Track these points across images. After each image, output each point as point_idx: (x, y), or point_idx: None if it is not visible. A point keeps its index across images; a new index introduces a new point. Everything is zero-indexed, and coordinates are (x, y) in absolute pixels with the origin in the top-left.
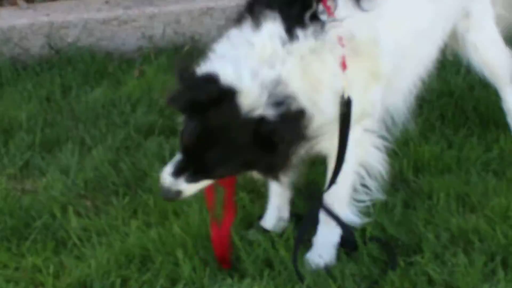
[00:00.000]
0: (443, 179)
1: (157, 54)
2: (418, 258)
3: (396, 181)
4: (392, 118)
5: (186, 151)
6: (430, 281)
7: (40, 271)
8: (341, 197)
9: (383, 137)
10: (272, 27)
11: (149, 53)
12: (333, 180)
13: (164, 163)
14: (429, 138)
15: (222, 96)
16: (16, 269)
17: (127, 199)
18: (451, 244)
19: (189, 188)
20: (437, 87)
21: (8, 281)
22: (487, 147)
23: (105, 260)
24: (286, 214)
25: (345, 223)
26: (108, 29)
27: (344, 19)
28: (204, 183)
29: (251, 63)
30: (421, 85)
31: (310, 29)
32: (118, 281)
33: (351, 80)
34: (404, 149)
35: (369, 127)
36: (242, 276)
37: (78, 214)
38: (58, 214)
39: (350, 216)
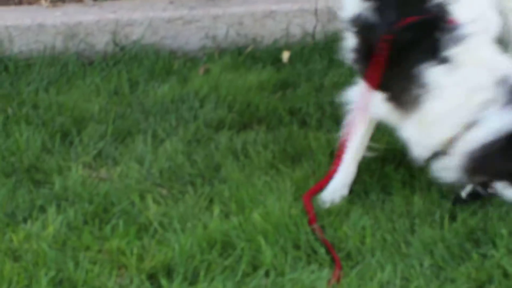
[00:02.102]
0: None
1: (220, 54)
2: (493, 252)
3: None
4: None
5: None
6: (506, 274)
7: (123, 253)
8: None
9: None
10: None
11: (213, 53)
12: None
13: (236, 156)
14: None
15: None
16: (99, 251)
17: (203, 188)
18: None
19: None
20: None
21: (92, 263)
22: None
23: (188, 245)
24: (346, 192)
25: None
26: (173, 28)
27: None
28: None
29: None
30: None
31: None
32: (203, 265)
33: None
34: None
35: None
36: (321, 264)
37: (156, 201)
38: (137, 201)
39: None
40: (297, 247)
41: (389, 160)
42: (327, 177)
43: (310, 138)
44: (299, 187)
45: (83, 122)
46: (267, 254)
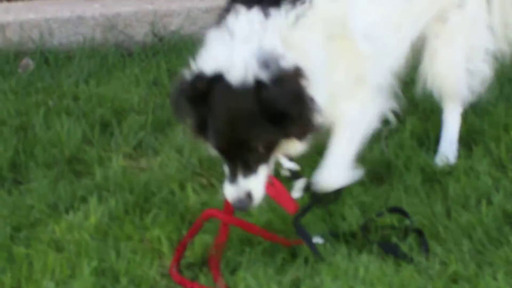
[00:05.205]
0: None
1: None
2: None
3: None
4: None
5: (223, 150)
6: None
7: (164, 243)
8: (340, 162)
9: None
10: (248, 13)
11: None
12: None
13: None
14: None
15: (212, 83)
16: (141, 241)
17: None
18: None
19: (253, 184)
20: None
21: (134, 252)
22: None
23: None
24: None
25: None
26: (211, 18)
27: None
28: (263, 171)
29: (232, 44)
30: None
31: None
32: (244, 256)
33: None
34: None
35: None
36: None
37: (195, 191)
38: (177, 190)
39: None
40: None
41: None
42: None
43: None
44: None
45: (123, 113)
46: None
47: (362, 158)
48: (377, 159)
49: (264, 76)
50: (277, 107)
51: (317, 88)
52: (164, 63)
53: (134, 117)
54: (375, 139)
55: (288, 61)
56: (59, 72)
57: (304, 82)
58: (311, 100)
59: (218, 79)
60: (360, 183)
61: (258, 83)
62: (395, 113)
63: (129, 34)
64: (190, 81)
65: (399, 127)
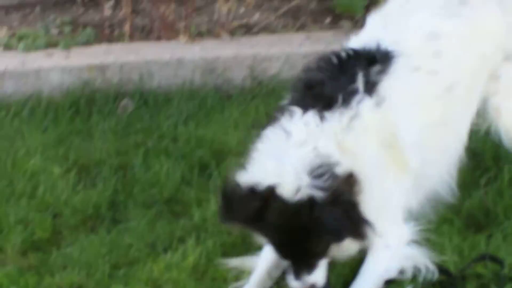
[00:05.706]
0: None
1: None
2: None
3: None
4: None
5: (285, 257)
6: None
7: None
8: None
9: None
10: (304, 115)
11: None
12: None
13: None
14: None
15: (266, 198)
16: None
17: None
18: None
19: (317, 276)
20: None
21: None
22: None
23: None
24: None
25: None
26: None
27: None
28: (323, 263)
29: (286, 148)
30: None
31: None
32: None
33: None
34: None
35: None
36: None
37: None
38: None
39: None
40: None
41: None
42: None
43: None
44: None
45: (222, 155)
46: None
47: (460, 205)
48: (475, 207)
49: (317, 189)
50: (328, 227)
51: (369, 197)
52: (262, 106)
53: (233, 159)
54: (474, 186)
55: (342, 167)
56: (158, 114)
57: (357, 190)
58: (362, 215)
59: (271, 194)
60: (458, 231)
61: (311, 202)
62: None
63: (228, 77)
64: (244, 197)
65: (497, 175)
